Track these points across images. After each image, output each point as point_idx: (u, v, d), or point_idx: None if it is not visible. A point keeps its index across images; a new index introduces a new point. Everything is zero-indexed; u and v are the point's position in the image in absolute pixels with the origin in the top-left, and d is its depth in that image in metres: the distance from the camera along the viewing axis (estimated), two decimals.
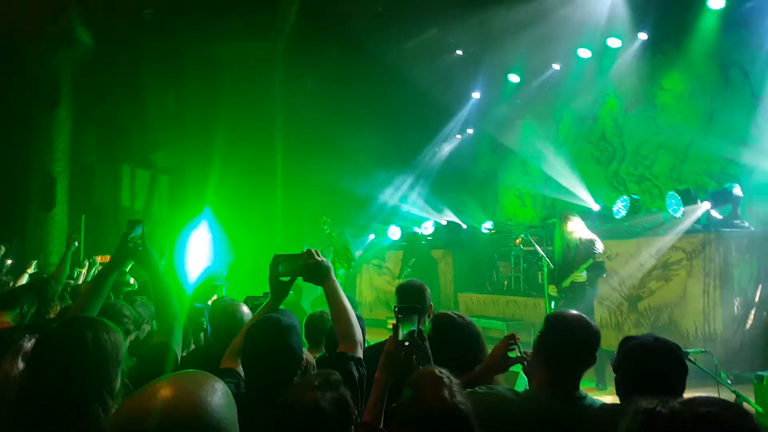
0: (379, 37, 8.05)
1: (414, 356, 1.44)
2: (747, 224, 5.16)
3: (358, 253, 7.31)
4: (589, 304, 4.56)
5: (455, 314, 1.89)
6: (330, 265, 1.76)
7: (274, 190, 9.46)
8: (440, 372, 1.20)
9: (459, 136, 9.95)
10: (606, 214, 6.54)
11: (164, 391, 0.78)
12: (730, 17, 6.23)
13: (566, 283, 4.58)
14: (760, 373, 3.60)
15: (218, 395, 0.80)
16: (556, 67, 8.19)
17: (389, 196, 9.47)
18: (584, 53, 7.63)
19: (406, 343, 1.44)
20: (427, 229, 8.67)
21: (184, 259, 6.08)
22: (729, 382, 3.06)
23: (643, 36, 7.11)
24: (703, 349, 3.27)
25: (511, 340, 1.69)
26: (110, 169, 9.29)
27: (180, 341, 1.82)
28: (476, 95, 9.41)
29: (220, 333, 2.33)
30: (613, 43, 7.29)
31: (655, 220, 5.61)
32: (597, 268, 4.60)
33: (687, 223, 5.14)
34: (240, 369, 1.62)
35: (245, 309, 2.39)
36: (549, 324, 1.62)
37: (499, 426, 1.37)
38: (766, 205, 5.50)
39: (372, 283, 8.77)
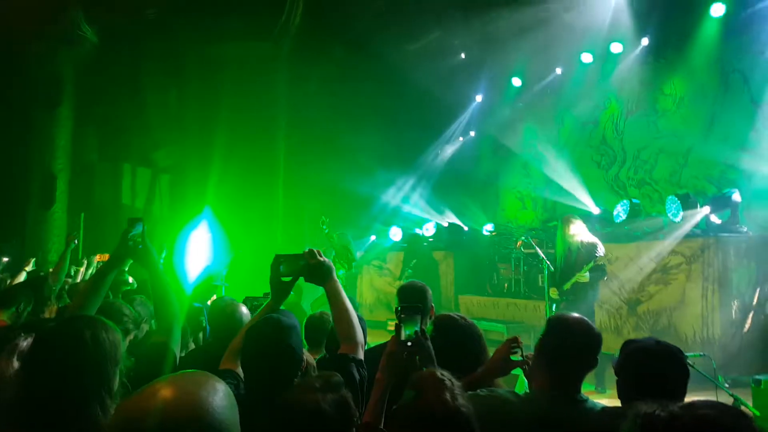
0: (382, 39, 8.06)
1: (417, 357, 1.43)
2: (745, 229, 5.18)
3: (359, 254, 7.29)
4: (590, 307, 4.57)
5: (457, 315, 1.89)
6: (332, 265, 1.75)
7: (276, 190, 9.44)
8: (442, 374, 1.19)
9: (461, 139, 9.96)
10: (606, 218, 6.55)
11: (164, 392, 0.77)
12: (731, 24, 6.29)
13: (568, 286, 4.58)
14: (757, 376, 3.61)
15: (220, 396, 0.79)
16: (558, 71, 8.21)
17: (391, 197, 9.47)
18: (587, 58, 7.65)
19: (409, 344, 1.43)
20: (428, 230, 8.67)
21: (183, 258, 6.07)
22: (727, 386, 3.06)
23: (645, 41, 7.14)
24: (701, 353, 3.27)
25: (513, 344, 1.69)
26: (111, 167, 9.29)
27: (179, 341, 1.81)
28: (479, 98, 9.44)
29: (218, 333, 2.32)
30: (616, 48, 7.31)
31: (655, 225, 5.62)
32: (598, 270, 4.61)
33: (686, 227, 5.15)
34: (239, 370, 1.61)
35: (244, 309, 2.39)
36: (550, 326, 1.62)
37: (501, 428, 1.37)
38: (765, 210, 5.51)
39: (373, 284, 8.76)
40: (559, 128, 8.82)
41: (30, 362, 1.30)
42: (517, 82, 8.69)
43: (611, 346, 2.30)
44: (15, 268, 4.79)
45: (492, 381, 1.69)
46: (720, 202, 5.29)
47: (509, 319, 6.92)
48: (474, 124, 9.76)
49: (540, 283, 6.64)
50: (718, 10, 6.29)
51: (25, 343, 1.47)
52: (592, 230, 4.97)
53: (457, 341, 1.77)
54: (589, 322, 1.62)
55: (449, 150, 10.00)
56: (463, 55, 8.78)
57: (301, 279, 1.73)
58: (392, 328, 1.50)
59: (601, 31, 7.08)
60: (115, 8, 7.95)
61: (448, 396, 1.13)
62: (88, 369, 1.23)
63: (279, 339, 1.52)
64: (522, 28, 7.13)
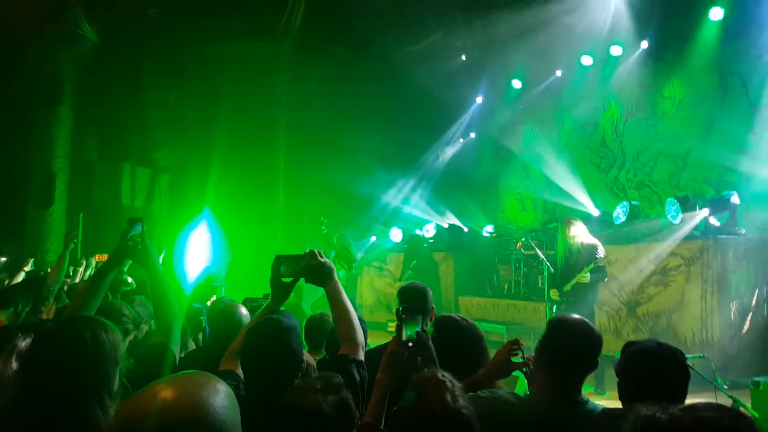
0: (383, 40, 8.08)
1: (418, 357, 1.42)
2: (744, 231, 5.20)
3: (359, 255, 7.29)
4: (590, 308, 4.57)
5: (458, 317, 1.89)
6: (333, 266, 1.74)
7: (276, 191, 9.43)
8: (443, 375, 1.19)
9: (462, 140, 9.97)
10: (606, 220, 6.56)
11: (165, 393, 0.77)
12: (730, 28, 6.32)
13: (568, 287, 4.58)
14: (756, 378, 3.62)
15: (221, 396, 0.78)
16: (558, 73, 8.23)
17: (391, 197, 9.47)
18: (587, 60, 7.67)
19: (410, 344, 1.43)
20: (428, 231, 8.67)
21: (183, 258, 6.06)
22: (726, 387, 3.06)
23: (644, 44, 7.16)
24: (700, 355, 3.28)
25: (514, 345, 1.69)
26: (111, 167, 9.28)
27: (178, 341, 1.81)
28: (479, 99, 9.45)
29: (218, 334, 2.32)
30: (615, 50, 7.33)
31: (654, 227, 5.63)
32: (599, 272, 4.61)
33: (685, 229, 5.16)
34: (239, 371, 1.61)
35: (244, 310, 2.38)
36: (551, 328, 1.62)
37: (501, 430, 1.36)
38: (763, 212, 5.52)
39: (373, 285, 8.76)
40: (559, 130, 8.83)
41: (29, 362, 1.30)
42: (517, 83, 8.70)
43: (611, 347, 2.30)
44: (13, 268, 4.77)
45: (493, 382, 1.69)
46: (719, 205, 5.31)
47: (509, 321, 6.91)
48: (474, 126, 9.77)
49: (540, 285, 6.64)
50: (717, 14, 6.32)
51: (23, 343, 1.46)
52: (591, 232, 4.98)
53: (458, 342, 1.77)
54: (590, 323, 1.62)
55: (449, 151, 10.00)
56: (463, 57, 8.79)
57: (302, 280, 1.72)
58: (393, 329, 1.49)
59: (601, 33, 7.10)
60: (115, 8, 7.95)
61: (449, 397, 1.13)
62: (88, 369, 1.22)
63: (279, 340, 1.51)
64: (522, 31, 7.15)
